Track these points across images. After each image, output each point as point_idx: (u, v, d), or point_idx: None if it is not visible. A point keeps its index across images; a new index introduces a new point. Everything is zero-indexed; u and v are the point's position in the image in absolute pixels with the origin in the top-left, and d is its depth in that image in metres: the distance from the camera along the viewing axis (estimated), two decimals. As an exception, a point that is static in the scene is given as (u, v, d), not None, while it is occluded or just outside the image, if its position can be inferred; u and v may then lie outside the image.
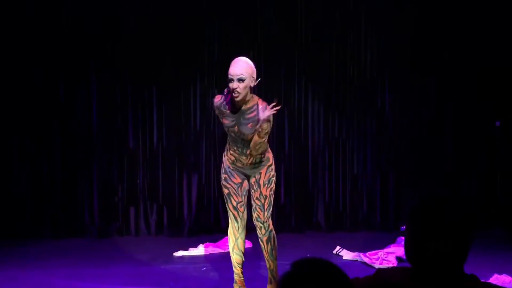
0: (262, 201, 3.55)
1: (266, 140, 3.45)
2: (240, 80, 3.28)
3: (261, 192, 3.53)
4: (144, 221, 5.73)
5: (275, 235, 3.63)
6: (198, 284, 3.99)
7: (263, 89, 5.76)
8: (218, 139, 5.79)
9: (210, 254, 4.97)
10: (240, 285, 3.65)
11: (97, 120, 5.67)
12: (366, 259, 4.51)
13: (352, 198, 5.91)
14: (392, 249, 4.65)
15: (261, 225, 3.57)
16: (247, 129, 3.38)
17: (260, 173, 3.54)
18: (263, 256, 4.48)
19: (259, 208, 3.55)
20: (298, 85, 5.85)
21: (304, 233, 5.75)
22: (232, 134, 3.45)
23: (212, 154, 5.77)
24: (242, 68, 3.31)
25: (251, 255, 4.86)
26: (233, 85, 3.28)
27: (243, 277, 3.65)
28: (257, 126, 3.29)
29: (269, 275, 3.66)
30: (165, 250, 5.00)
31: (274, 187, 3.61)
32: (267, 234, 3.58)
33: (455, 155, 5.93)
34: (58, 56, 5.54)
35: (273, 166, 3.61)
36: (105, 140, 5.68)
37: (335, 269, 1.15)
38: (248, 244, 5.20)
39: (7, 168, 5.53)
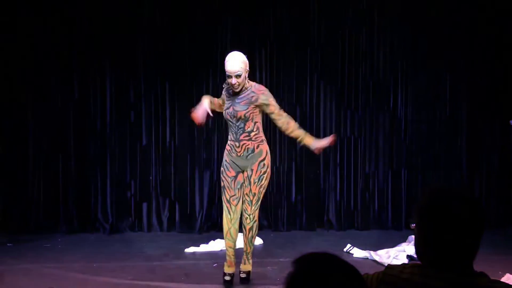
0: (251, 197, 3.83)
1: (259, 126, 3.86)
2: (238, 76, 3.70)
3: (250, 189, 3.82)
4: (156, 217, 5.78)
5: (257, 225, 3.95)
6: (209, 280, 4.02)
7: (275, 86, 5.79)
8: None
9: (221, 250, 5.00)
10: (229, 265, 3.93)
11: (111, 117, 5.73)
12: (376, 257, 4.50)
13: (363, 197, 5.90)
14: (403, 247, 4.63)
15: (247, 216, 3.86)
16: (240, 107, 3.78)
17: (252, 170, 3.82)
18: (272, 254, 4.53)
19: (248, 203, 3.84)
20: (310, 82, 5.85)
21: (315, 231, 5.76)
22: (228, 117, 3.85)
23: (223, 151, 5.80)
24: (237, 65, 3.69)
25: (261, 252, 4.89)
26: (232, 80, 3.73)
27: (233, 258, 3.94)
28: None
29: (244, 257, 3.98)
30: (176, 246, 5.05)
31: (265, 184, 3.88)
32: (251, 223, 3.87)
33: (468, 154, 5.89)
34: (72, 53, 5.61)
35: (266, 161, 3.85)
36: (118, 136, 5.74)
37: (346, 264, 1.16)
38: (259, 241, 5.25)
39: (22, 164, 5.61)
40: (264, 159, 3.84)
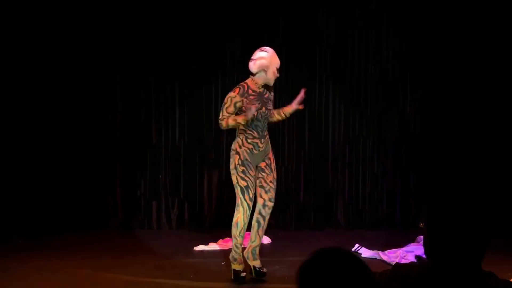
0: (275, 183, 3.96)
1: None
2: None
3: (273, 176, 3.95)
4: (166, 216, 5.83)
5: None
6: (218, 278, 4.04)
7: (283, 86, 5.80)
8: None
9: (229, 249, 5.02)
10: (240, 262, 3.94)
11: (121, 116, 5.78)
12: (385, 257, 4.50)
13: (372, 197, 5.89)
14: (412, 248, 4.63)
15: (272, 205, 3.93)
16: (270, 105, 3.98)
17: (270, 158, 3.97)
18: (280, 253, 4.54)
19: (273, 190, 3.94)
20: (319, 82, 5.86)
21: (323, 230, 5.76)
22: (259, 116, 3.85)
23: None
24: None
25: (269, 251, 4.91)
26: (278, 73, 3.92)
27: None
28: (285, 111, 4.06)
29: (257, 251, 3.96)
30: (185, 244, 5.08)
31: None
32: (270, 213, 3.96)
33: (478, 154, 5.86)
34: (82, 52, 5.66)
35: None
36: (128, 135, 5.79)
37: (357, 260, 1.17)
38: (267, 240, 5.26)
39: (33, 163, 5.67)
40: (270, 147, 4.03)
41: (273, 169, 3.95)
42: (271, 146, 4.05)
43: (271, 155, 3.98)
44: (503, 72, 5.78)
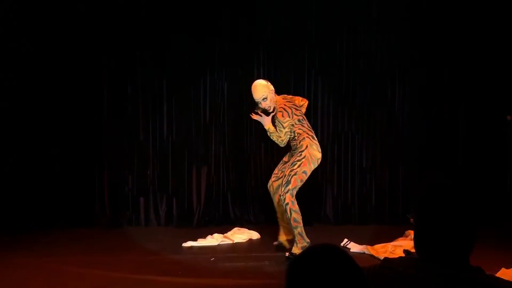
0: (283, 177, 4.47)
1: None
2: (264, 99, 4.30)
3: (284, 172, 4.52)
4: (154, 212, 5.79)
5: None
6: (207, 274, 4.02)
7: (272, 81, 5.78)
8: (228, 132, 5.82)
9: (218, 244, 5.02)
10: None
11: (108, 112, 5.73)
12: (373, 252, 4.51)
13: (360, 192, 5.91)
14: (400, 242, 4.65)
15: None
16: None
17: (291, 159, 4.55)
18: (269, 248, 4.55)
19: (282, 182, 4.47)
20: (307, 78, 5.85)
21: (312, 226, 5.76)
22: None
23: (221, 147, 5.81)
24: (260, 91, 4.28)
25: (258, 247, 4.91)
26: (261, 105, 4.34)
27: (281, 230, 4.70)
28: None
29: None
30: (174, 241, 5.05)
31: None
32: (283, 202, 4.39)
33: (466, 149, 5.91)
34: (68, 47, 5.59)
35: None
36: (116, 131, 5.73)
37: (345, 256, 1.17)
38: (256, 236, 5.27)
39: (18, 159, 5.60)
40: None
41: (285, 173, 4.37)
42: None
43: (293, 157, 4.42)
44: (491, 67, 5.82)
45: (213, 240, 5.05)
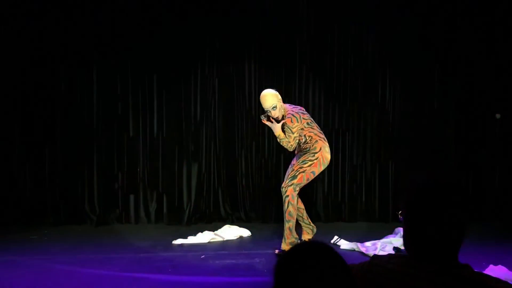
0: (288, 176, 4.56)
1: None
2: (274, 108, 4.35)
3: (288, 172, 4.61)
4: (144, 209, 5.77)
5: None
6: (197, 272, 4.01)
7: (264, 78, 5.78)
8: (218, 129, 5.81)
9: (209, 242, 5.01)
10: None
11: (97, 108, 5.69)
12: (363, 249, 4.53)
13: (351, 189, 5.93)
14: (390, 239, 4.67)
15: (283, 191, 4.53)
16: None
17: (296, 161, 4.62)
18: (260, 245, 4.55)
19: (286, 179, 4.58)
20: (299, 75, 5.85)
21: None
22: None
23: (212, 143, 5.80)
24: (270, 101, 4.33)
25: (249, 244, 4.91)
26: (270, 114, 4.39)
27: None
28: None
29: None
30: (164, 238, 5.04)
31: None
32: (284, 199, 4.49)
33: (455, 147, 5.95)
34: (58, 44, 5.54)
35: None
36: (105, 128, 5.70)
37: (333, 253, 1.17)
38: (247, 233, 5.27)
39: (7, 156, 5.55)
40: None
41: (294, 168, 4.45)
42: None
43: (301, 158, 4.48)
44: (482, 65, 5.85)
45: (204, 237, 5.04)
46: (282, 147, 5.80)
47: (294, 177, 4.36)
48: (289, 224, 4.36)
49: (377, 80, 5.91)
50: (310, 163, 4.38)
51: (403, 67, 5.89)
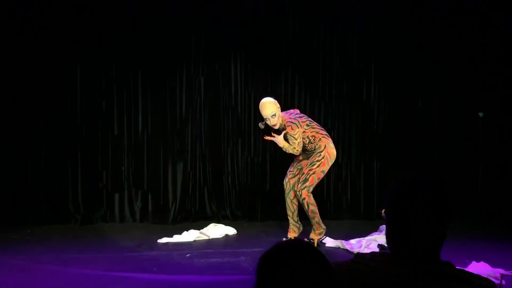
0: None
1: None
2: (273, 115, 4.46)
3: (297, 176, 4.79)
4: (129, 208, 5.73)
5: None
6: (182, 270, 4.00)
7: (249, 78, 5.78)
8: (204, 127, 5.80)
9: (194, 240, 5.00)
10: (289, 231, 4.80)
11: (81, 106, 5.63)
12: (348, 247, 4.56)
13: (336, 187, 5.97)
14: (375, 237, 4.72)
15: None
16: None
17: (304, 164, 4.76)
18: (246, 244, 4.55)
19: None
20: (284, 75, 5.86)
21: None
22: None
23: (197, 142, 5.78)
24: (269, 109, 4.44)
25: (235, 242, 4.92)
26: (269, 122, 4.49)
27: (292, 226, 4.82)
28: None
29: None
30: (149, 237, 5.02)
31: None
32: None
33: (439, 146, 6.02)
34: (41, 39, 5.47)
35: None
36: (90, 126, 5.64)
37: (315, 252, 1.17)
38: (232, 232, 5.27)
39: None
40: None
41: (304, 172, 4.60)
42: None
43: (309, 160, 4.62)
44: (465, 64, 5.92)
45: (189, 236, 5.03)
46: (268, 145, 5.86)
47: (305, 180, 4.53)
48: (316, 219, 4.59)
49: (362, 80, 5.95)
50: (318, 163, 4.54)
51: (387, 66, 5.93)
